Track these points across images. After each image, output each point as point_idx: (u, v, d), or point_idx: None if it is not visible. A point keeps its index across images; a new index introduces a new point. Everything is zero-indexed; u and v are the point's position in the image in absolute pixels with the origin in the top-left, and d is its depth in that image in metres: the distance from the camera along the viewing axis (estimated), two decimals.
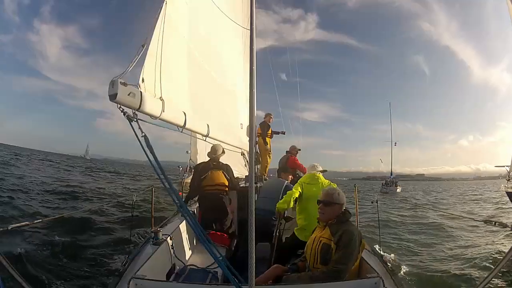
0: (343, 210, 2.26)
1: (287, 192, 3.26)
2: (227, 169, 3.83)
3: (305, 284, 2.00)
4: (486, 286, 1.51)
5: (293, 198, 3.16)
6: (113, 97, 1.55)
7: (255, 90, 1.54)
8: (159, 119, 1.98)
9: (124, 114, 1.65)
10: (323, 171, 3.57)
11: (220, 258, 2.74)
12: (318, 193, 3.03)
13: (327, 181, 3.34)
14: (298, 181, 3.42)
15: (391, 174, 38.35)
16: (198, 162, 5.64)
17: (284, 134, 7.27)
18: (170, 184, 1.78)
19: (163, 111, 1.98)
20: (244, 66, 4.09)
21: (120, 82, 1.58)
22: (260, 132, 6.79)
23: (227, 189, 3.79)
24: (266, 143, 6.81)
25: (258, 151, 6.69)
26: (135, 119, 1.68)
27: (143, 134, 1.69)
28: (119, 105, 1.60)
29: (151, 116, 1.89)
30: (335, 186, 3.17)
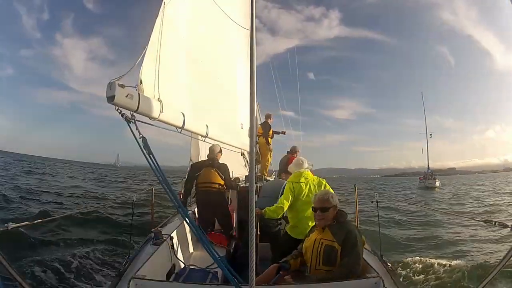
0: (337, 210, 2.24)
1: (279, 201, 3.15)
2: (222, 168, 3.84)
3: (318, 283, 1.99)
4: (486, 286, 1.51)
5: (285, 207, 3.09)
6: (110, 99, 1.56)
7: (255, 90, 1.54)
8: (158, 120, 1.98)
9: (122, 116, 1.65)
10: (309, 167, 3.49)
11: (220, 258, 2.75)
12: (304, 191, 3.03)
13: (316, 177, 3.24)
14: (287, 180, 3.29)
15: (428, 168, 35.15)
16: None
17: (284, 134, 7.28)
18: (169, 186, 1.79)
19: (162, 112, 1.98)
20: (245, 66, 4.08)
21: (118, 84, 1.58)
22: (262, 132, 6.80)
23: (221, 187, 3.80)
24: (268, 143, 6.82)
25: (259, 151, 6.69)
26: (133, 121, 1.68)
27: (141, 135, 1.69)
28: (117, 107, 1.60)
29: (149, 117, 1.90)
30: (326, 184, 3.15)
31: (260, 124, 6.93)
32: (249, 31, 4.00)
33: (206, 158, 3.94)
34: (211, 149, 3.88)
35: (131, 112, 1.70)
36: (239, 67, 4.06)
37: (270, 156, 6.90)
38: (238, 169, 4.40)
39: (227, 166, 3.88)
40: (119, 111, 1.63)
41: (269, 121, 7.01)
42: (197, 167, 3.88)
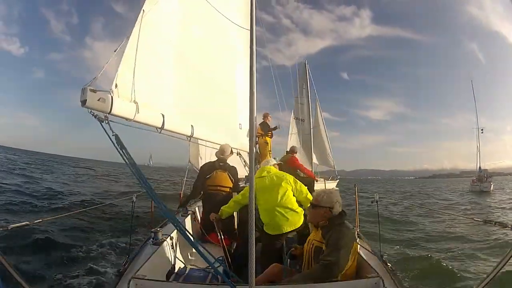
0: (336, 212, 2.18)
1: (235, 196, 3.23)
2: (233, 171, 3.81)
3: (300, 284, 1.99)
4: (486, 286, 1.51)
5: (238, 202, 3.17)
6: (83, 103, 1.73)
7: (255, 90, 1.56)
8: (134, 121, 2.14)
9: (95, 117, 1.81)
10: (279, 163, 3.52)
11: (220, 258, 2.75)
12: (268, 183, 3.00)
13: (281, 172, 3.20)
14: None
15: (480, 169, 29.64)
16: (198, 165, 5.63)
17: (279, 128, 7.27)
18: (147, 183, 1.90)
19: (137, 113, 2.14)
20: (247, 66, 4.08)
21: (90, 89, 1.74)
22: (262, 132, 6.81)
23: (230, 190, 3.76)
24: (267, 142, 6.83)
25: (258, 151, 6.70)
26: (105, 121, 1.84)
27: (114, 134, 1.84)
28: (89, 110, 1.77)
29: (124, 118, 2.06)
30: (288, 175, 3.13)
31: (259, 125, 6.94)
32: (249, 31, 4.01)
33: (216, 159, 3.86)
34: (222, 149, 3.80)
35: (105, 114, 1.85)
36: (239, 68, 4.05)
37: (270, 156, 6.91)
38: (237, 169, 4.40)
39: (236, 169, 3.86)
40: (91, 113, 1.80)
41: (267, 120, 7.03)
42: (207, 168, 3.81)
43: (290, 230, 2.92)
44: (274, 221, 2.91)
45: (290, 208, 2.93)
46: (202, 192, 3.87)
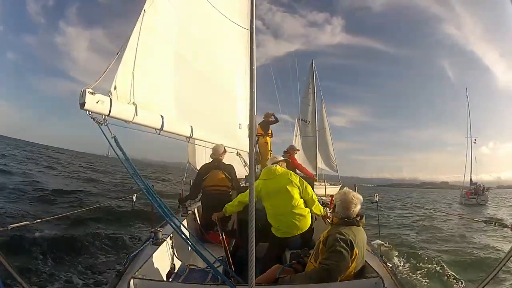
0: (341, 212, 2.13)
1: (239, 196, 3.16)
2: (229, 169, 3.81)
3: (301, 284, 1.98)
4: (486, 286, 1.51)
5: (243, 202, 3.07)
6: (82, 105, 1.72)
7: (255, 90, 1.55)
8: (133, 123, 2.13)
9: (93, 120, 1.80)
10: (285, 160, 3.44)
11: (220, 258, 2.75)
12: (277, 186, 2.95)
13: (287, 171, 3.13)
14: (259, 178, 3.20)
15: (471, 182, 27.49)
16: (196, 165, 5.63)
17: (277, 120, 7.25)
18: (146, 184, 1.92)
19: (136, 115, 2.12)
20: (245, 66, 4.08)
21: (88, 91, 1.73)
22: (263, 132, 6.80)
23: (228, 189, 3.77)
24: (267, 142, 6.83)
25: (258, 151, 6.69)
26: (104, 124, 1.84)
27: (113, 136, 1.84)
28: (88, 112, 1.76)
29: (123, 120, 2.06)
30: (294, 174, 3.10)
31: (258, 124, 6.94)
32: (248, 31, 4.01)
33: (210, 160, 3.89)
34: (215, 149, 3.84)
35: (103, 116, 1.85)
36: (238, 68, 4.05)
37: (270, 156, 6.90)
38: (237, 169, 4.40)
39: (233, 167, 3.86)
40: (90, 115, 1.79)
41: (268, 119, 7.02)
42: (204, 169, 3.84)
43: (298, 233, 2.93)
44: (283, 226, 2.91)
45: (299, 213, 2.92)
46: (201, 193, 3.88)
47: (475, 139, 28.22)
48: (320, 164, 20.49)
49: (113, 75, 2.02)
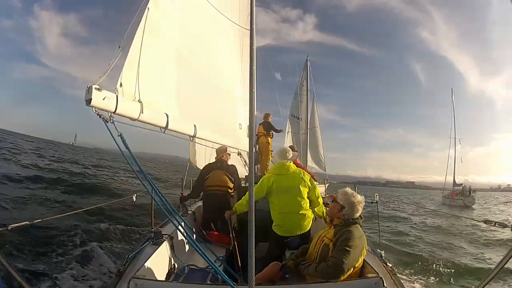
0: (348, 213, 2.14)
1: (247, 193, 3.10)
2: (231, 169, 3.82)
3: (310, 275, 2.02)
4: (486, 286, 1.51)
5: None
6: (88, 102, 1.68)
7: (255, 90, 1.55)
8: (138, 120, 2.10)
9: (99, 117, 1.77)
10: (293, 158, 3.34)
11: (220, 257, 2.75)
12: (289, 184, 2.91)
13: (299, 169, 3.08)
14: (269, 171, 3.14)
15: (454, 183, 26.85)
16: (197, 164, 5.64)
17: (281, 131, 7.33)
18: (151, 182, 1.90)
19: (142, 113, 2.10)
20: (241, 66, 4.08)
21: (95, 87, 1.70)
22: (265, 132, 6.81)
23: (230, 189, 3.78)
24: (269, 142, 6.83)
25: (258, 151, 6.69)
26: (111, 121, 1.81)
27: (119, 133, 1.83)
28: (94, 109, 1.73)
29: (129, 118, 2.02)
30: (306, 172, 3.06)
31: (259, 124, 6.94)
32: (248, 30, 4.01)
33: (214, 160, 3.93)
34: (218, 150, 3.87)
35: (110, 113, 1.82)
36: (237, 67, 4.05)
37: (271, 155, 6.91)
38: (238, 168, 4.41)
39: (236, 168, 3.87)
40: (96, 112, 1.75)
41: (268, 120, 7.02)
42: (206, 169, 3.85)
43: (299, 233, 2.92)
44: (286, 224, 2.89)
45: (305, 213, 2.91)
46: (202, 193, 3.88)
47: (460, 139, 27.78)
48: (311, 162, 20.40)
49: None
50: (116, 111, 1.85)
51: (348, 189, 2.25)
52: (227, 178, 3.74)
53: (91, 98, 1.68)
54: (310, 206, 3.01)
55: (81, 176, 16.00)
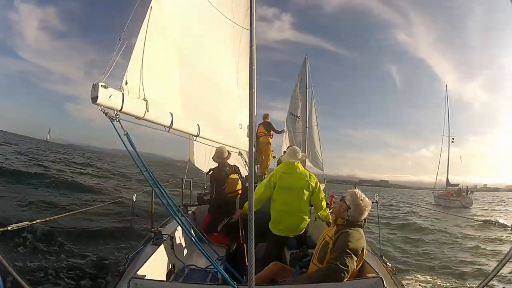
0: (353, 215, 2.12)
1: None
2: (239, 171, 3.87)
3: (304, 284, 1.98)
4: (486, 286, 1.51)
5: (260, 200, 2.87)
6: (94, 99, 1.65)
7: (255, 90, 1.55)
8: (143, 119, 2.07)
9: (106, 115, 1.74)
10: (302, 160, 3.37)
11: (220, 257, 2.75)
12: (293, 184, 2.90)
13: (307, 171, 3.08)
14: (275, 169, 3.13)
15: (448, 182, 25.53)
16: (196, 164, 5.63)
17: (283, 132, 7.34)
18: (156, 181, 1.89)
19: (147, 112, 2.07)
20: (239, 66, 4.07)
21: (101, 85, 1.65)
22: (265, 132, 6.81)
23: (241, 190, 3.82)
24: (269, 142, 6.85)
25: (258, 151, 6.70)
26: (117, 119, 1.78)
27: (125, 132, 1.81)
28: (100, 107, 1.69)
29: (134, 116, 2.00)
30: (313, 176, 3.05)
31: (260, 124, 6.94)
32: (246, 30, 4.02)
33: (217, 163, 3.77)
34: (220, 152, 3.74)
35: (115, 112, 1.79)
36: (239, 67, 4.04)
37: (271, 155, 6.92)
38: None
39: (239, 168, 3.92)
40: (102, 110, 1.72)
41: (267, 120, 7.04)
42: (219, 177, 3.68)
43: (293, 235, 2.95)
44: (285, 224, 2.89)
45: (303, 216, 2.92)
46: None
47: (453, 138, 26.12)
48: (308, 162, 20.45)
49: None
50: (122, 109, 1.82)
51: (358, 191, 2.21)
52: (240, 180, 3.78)
53: (98, 96, 1.64)
54: (311, 209, 3.02)
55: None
